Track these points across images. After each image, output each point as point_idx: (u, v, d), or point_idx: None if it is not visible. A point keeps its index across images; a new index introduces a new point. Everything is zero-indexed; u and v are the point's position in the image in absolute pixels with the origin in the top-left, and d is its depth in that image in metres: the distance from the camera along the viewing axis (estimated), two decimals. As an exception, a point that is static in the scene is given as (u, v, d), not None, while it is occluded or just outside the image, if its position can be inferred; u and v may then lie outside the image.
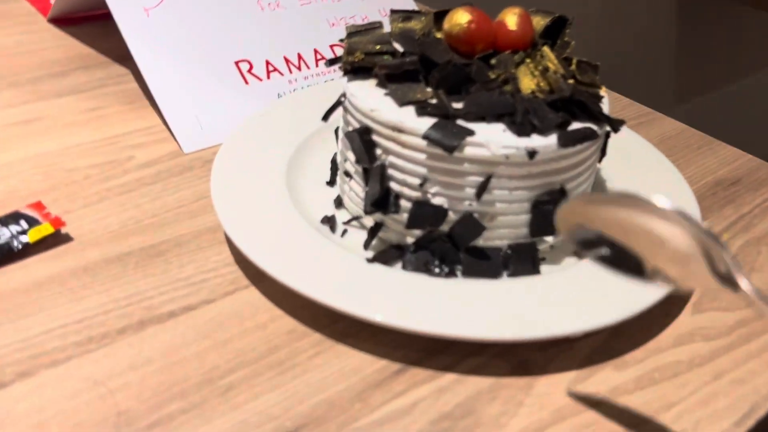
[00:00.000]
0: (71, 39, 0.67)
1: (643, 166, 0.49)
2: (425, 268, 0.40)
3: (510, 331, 0.36)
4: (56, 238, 0.43)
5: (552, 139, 0.38)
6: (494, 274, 0.40)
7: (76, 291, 0.40)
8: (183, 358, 0.36)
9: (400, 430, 0.33)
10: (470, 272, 0.40)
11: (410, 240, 0.41)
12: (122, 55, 0.63)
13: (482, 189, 0.38)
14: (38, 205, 0.44)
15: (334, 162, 0.48)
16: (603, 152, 0.43)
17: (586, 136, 0.38)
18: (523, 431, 0.34)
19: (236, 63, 0.58)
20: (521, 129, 0.37)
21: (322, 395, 0.35)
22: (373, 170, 0.40)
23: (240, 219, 0.41)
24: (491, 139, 0.37)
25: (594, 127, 0.39)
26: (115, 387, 0.34)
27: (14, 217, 0.43)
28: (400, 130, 0.38)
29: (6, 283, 0.40)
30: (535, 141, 0.37)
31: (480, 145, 0.37)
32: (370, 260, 0.40)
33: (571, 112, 0.39)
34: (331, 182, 0.48)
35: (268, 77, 0.58)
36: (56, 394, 0.34)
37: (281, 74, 0.59)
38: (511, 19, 0.41)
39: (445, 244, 0.40)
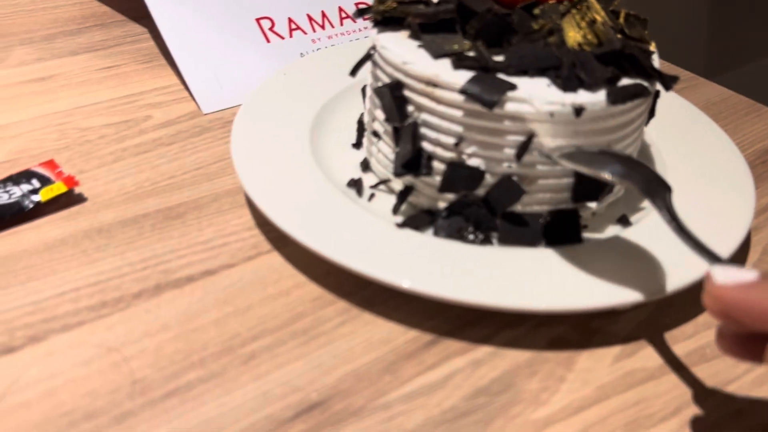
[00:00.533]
0: (87, -4, 0.64)
1: (691, 132, 0.46)
2: (459, 235, 0.37)
3: (550, 302, 0.33)
4: (69, 198, 0.41)
5: (601, 96, 0.35)
6: (533, 241, 0.37)
7: (89, 253, 0.38)
8: (202, 325, 0.34)
9: (433, 405, 0.31)
10: (507, 239, 0.37)
11: (442, 205, 0.38)
12: (139, 14, 0.60)
13: (523, 149, 0.35)
14: (51, 164, 0.42)
15: (360, 123, 0.45)
16: (651, 113, 0.40)
17: (637, 92, 0.35)
18: (565, 409, 0.31)
19: (257, 20, 0.55)
20: (567, 84, 0.34)
21: (349, 366, 0.33)
22: (404, 129, 0.37)
23: (262, 181, 0.39)
24: (535, 94, 0.34)
25: (645, 83, 0.36)
26: (129, 354, 0.32)
27: (26, 176, 0.41)
28: (434, 85, 0.35)
29: (17, 244, 0.38)
30: (583, 97, 0.34)
31: (523, 101, 0.34)
32: (400, 225, 0.37)
33: (620, 67, 0.36)
34: (357, 144, 0.45)
35: (291, 35, 0.55)
36: (68, 361, 0.32)
37: (304, 32, 0.56)
38: (555, -33, 0.38)
39: (480, 210, 0.37)
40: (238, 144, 0.42)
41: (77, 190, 0.42)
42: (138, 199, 0.41)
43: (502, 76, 0.35)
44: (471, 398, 0.32)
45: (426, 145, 0.37)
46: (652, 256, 0.36)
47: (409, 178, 0.39)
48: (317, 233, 0.36)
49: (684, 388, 0.33)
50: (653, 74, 0.36)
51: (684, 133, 0.46)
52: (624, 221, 0.39)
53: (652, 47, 0.39)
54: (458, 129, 0.36)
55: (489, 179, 0.37)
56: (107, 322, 0.34)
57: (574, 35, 0.36)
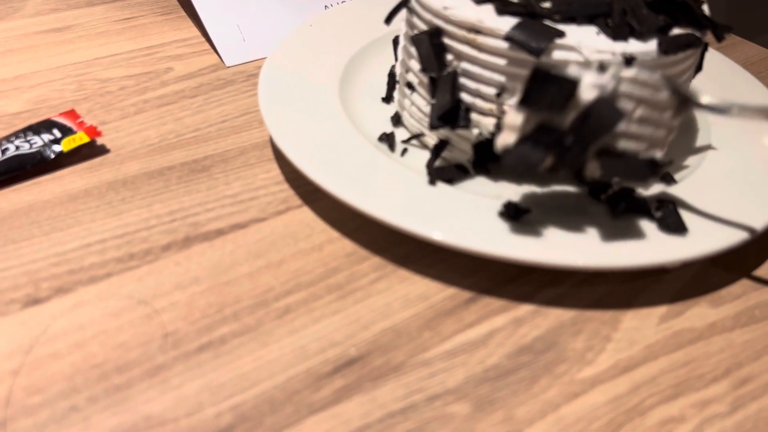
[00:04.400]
0: (101, -53, 0.62)
1: (734, 89, 0.45)
2: (530, 168, 0.31)
3: (592, 259, 0.32)
4: (92, 149, 0.40)
5: (652, 45, 0.33)
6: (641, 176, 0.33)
7: (115, 205, 0.36)
8: (234, 278, 0.33)
9: (475, 363, 0.30)
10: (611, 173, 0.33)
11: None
12: (156, -36, 0.58)
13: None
14: (72, 114, 0.41)
15: (391, 75, 0.44)
16: (699, 67, 0.39)
17: (690, 42, 0.34)
18: (612, 368, 0.30)
19: (281, -29, 0.53)
20: (617, 32, 0.33)
21: (387, 322, 0.31)
22: (443, 79, 0.36)
23: (292, 134, 0.37)
24: (584, 42, 0.32)
25: (697, 33, 0.34)
26: (160, 307, 0.31)
27: (46, 125, 0.39)
28: (477, 31, 0.34)
29: (39, 194, 0.37)
30: (633, 46, 0.33)
31: (571, 49, 0.32)
32: (431, 176, 0.36)
33: (672, 15, 0.34)
34: (387, 98, 0.43)
35: (316, -12, 0.53)
36: (97, 313, 0.31)
37: (329, -15, 0.54)
38: None
39: (567, 137, 0.31)
40: (265, 96, 0.40)
41: (99, 141, 0.40)
42: (163, 152, 0.40)
43: (548, 23, 0.33)
44: (514, 356, 0.30)
45: (465, 96, 0.36)
46: (698, 214, 0.35)
47: (444, 132, 0.38)
48: (350, 186, 0.34)
49: (734, 349, 0.31)
50: (706, 23, 0.35)
51: (727, 91, 0.44)
52: (668, 179, 0.38)
53: (702, -4, 0.37)
54: (500, 79, 0.34)
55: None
56: (136, 274, 0.33)
57: None
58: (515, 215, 0.33)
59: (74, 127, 0.39)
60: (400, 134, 0.41)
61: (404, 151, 0.39)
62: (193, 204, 0.37)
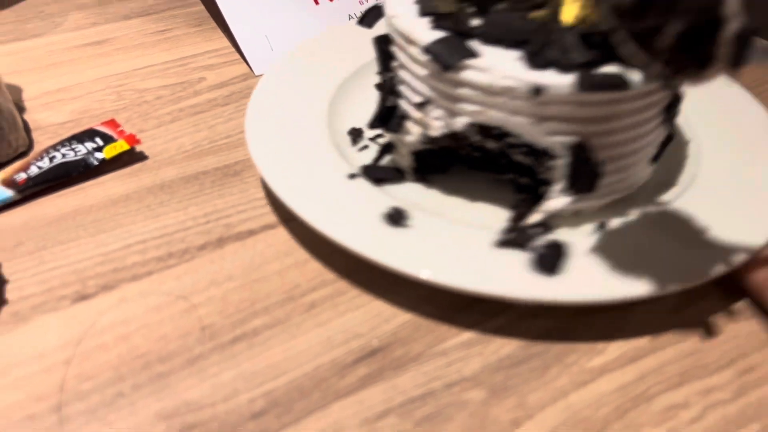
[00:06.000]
0: (136, -38, 0.65)
1: (739, 122, 0.43)
2: None
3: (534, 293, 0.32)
4: (131, 156, 0.42)
5: (570, 79, 0.31)
6: None
7: (153, 208, 0.39)
8: (264, 275, 0.35)
9: (490, 353, 0.32)
10: None
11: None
12: (188, -22, 0.61)
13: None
14: (112, 123, 0.44)
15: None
16: (669, 112, 0.35)
17: (613, 83, 0.31)
18: (621, 358, 0.32)
19: (306, -18, 0.55)
20: (535, 61, 0.32)
21: (407, 315, 0.34)
22: (385, 82, 0.37)
23: (274, 157, 0.38)
24: (497, 65, 0.32)
25: (628, 74, 0.31)
26: (197, 302, 0.34)
27: (89, 135, 0.42)
28: (409, 41, 0.34)
29: (84, 199, 0.39)
30: (549, 77, 0.31)
31: (481, 70, 0.32)
32: (368, 175, 0.37)
33: (610, 52, 0.31)
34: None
35: (339, -3, 0.56)
36: (140, 308, 0.33)
37: (352, -6, 0.56)
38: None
39: None
40: (253, 117, 0.40)
41: (138, 148, 0.43)
42: (197, 157, 0.43)
43: (477, 42, 0.33)
44: (527, 347, 0.32)
45: (402, 103, 0.36)
46: (692, 233, 0.35)
47: (392, 135, 0.38)
48: (321, 217, 0.34)
49: (740, 339, 0.33)
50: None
51: (729, 125, 0.42)
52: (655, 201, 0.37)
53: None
54: (425, 90, 0.34)
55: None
56: (175, 272, 0.35)
57: (570, 11, 0.33)
58: (550, 266, 0.33)
59: (115, 136, 0.42)
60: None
61: (365, 147, 0.40)
62: (227, 206, 0.39)
